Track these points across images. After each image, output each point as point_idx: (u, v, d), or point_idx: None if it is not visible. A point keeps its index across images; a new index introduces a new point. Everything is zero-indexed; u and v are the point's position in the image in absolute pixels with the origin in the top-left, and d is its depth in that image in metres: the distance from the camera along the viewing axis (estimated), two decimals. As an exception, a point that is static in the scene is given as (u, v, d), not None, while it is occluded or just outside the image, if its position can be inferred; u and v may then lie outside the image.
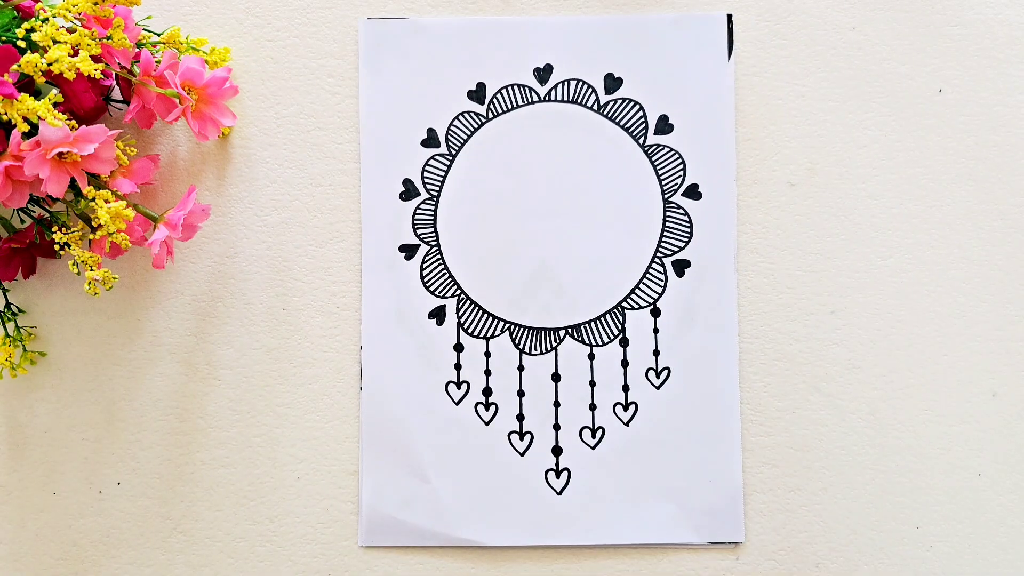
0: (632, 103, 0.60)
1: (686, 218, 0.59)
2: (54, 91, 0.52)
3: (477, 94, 0.60)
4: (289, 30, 0.61)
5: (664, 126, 0.60)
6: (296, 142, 0.60)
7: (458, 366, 0.59)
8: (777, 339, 0.59)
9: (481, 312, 0.59)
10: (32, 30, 0.51)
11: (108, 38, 0.52)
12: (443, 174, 0.60)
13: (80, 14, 0.51)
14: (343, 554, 0.59)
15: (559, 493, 0.58)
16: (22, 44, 0.51)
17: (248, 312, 0.60)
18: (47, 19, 0.50)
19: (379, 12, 0.61)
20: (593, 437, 0.58)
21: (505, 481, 0.58)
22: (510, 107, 0.60)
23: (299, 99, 0.60)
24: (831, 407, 0.59)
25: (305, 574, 0.59)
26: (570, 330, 0.59)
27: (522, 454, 0.58)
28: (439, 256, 0.59)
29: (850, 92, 0.60)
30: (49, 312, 0.60)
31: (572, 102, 0.60)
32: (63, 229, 0.54)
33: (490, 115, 0.60)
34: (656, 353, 0.59)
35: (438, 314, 0.59)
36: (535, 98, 0.60)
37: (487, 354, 0.59)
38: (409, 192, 0.60)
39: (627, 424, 0.58)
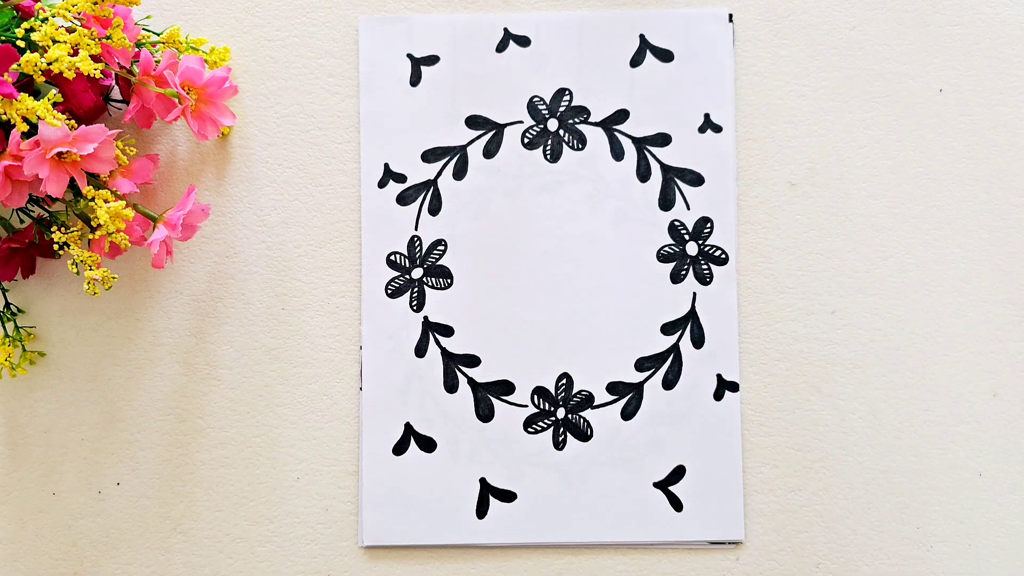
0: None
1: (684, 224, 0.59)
2: (53, 91, 0.51)
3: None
4: (289, 30, 0.61)
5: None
6: (296, 142, 0.60)
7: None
8: (777, 339, 0.59)
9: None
10: (32, 30, 0.51)
11: (107, 38, 0.52)
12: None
13: (79, 14, 0.51)
14: (343, 554, 0.59)
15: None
16: (21, 44, 0.51)
17: (248, 312, 0.60)
18: (46, 19, 0.50)
19: (379, 12, 0.61)
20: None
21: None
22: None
23: (299, 99, 0.60)
24: (831, 407, 0.59)
25: (305, 574, 0.59)
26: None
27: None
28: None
29: (850, 92, 0.60)
30: (48, 312, 0.60)
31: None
32: (62, 229, 0.54)
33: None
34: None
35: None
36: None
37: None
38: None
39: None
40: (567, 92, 0.60)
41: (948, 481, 0.59)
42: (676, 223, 0.59)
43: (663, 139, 0.59)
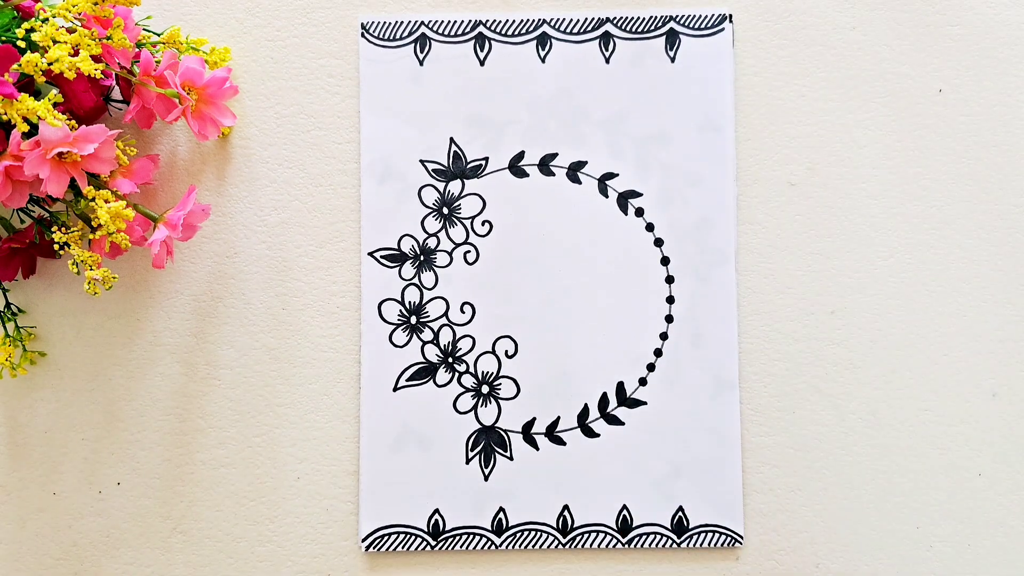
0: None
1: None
2: (54, 91, 0.52)
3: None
4: (289, 30, 0.61)
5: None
6: (296, 142, 0.60)
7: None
8: (777, 339, 0.59)
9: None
10: (32, 30, 0.51)
11: (108, 38, 0.52)
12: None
13: (80, 14, 0.51)
14: (343, 554, 0.59)
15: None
16: (22, 44, 0.51)
17: (248, 312, 0.60)
18: (47, 19, 0.50)
19: (379, 12, 0.61)
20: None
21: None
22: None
23: (299, 99, 0.60)
24: (831, 407, 0.59)
25: (305, 574, 0.59)
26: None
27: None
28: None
29: (850, 92, 0.60)
30: (49, 312, 0.60)
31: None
32: (63, 229, 0.54)
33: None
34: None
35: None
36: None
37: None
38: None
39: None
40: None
41: (948, 481, 0.59)
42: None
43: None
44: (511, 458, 0.58)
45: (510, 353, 0.59)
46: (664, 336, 0.59)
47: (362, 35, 0.60)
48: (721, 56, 0.60)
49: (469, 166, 0.60)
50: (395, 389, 0.59)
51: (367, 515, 0.58)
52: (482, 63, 0.60)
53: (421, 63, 0.60)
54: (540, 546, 0.58)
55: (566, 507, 0.58)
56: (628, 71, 0.60)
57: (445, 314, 0.59)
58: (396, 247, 0.59)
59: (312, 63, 0.60)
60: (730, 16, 0.60)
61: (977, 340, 0.59)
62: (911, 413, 0.59)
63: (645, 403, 0.59)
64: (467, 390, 0.59)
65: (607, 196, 0.59)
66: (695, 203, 0.59)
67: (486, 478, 0.58)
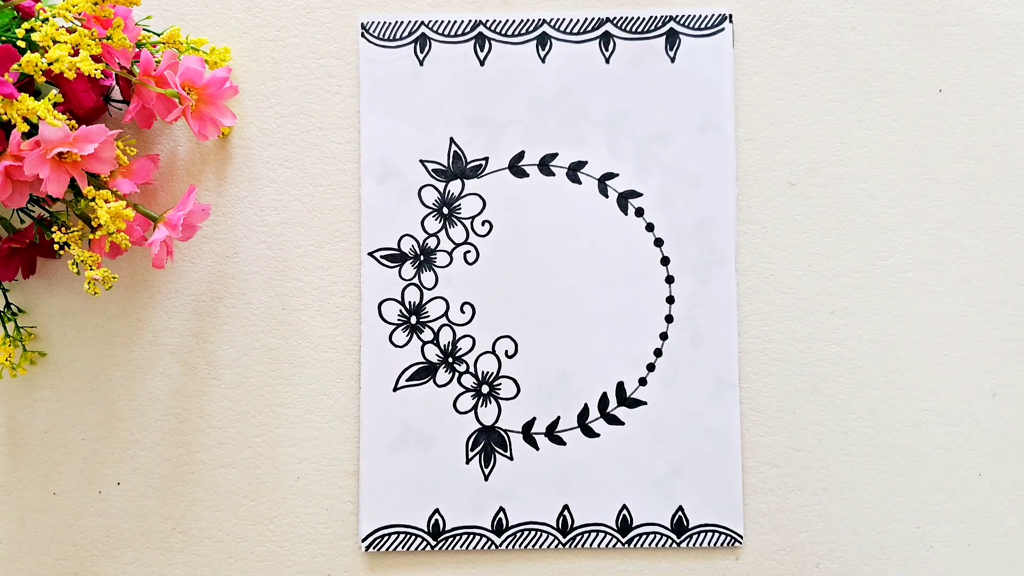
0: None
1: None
2: (54, 91, 0.52)
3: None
4: (289, 30, 0.61)
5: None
6: (296, 142, 0.60)
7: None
8: (777, 339, 0.59)
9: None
10: (32, 30, 0.51)
11: (108, 38, 0.52)
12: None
13: (80, 14, 0.51)
14: (343, 554, 0.59)
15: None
16: (22, 44, 0.51)
17: (248, 312, 0.60)
18: (47, 19, 0.50)
19: (379, 12, 0.61)
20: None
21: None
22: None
23: (299, 99, 0.60)
24: (831, 407, 0.59)
25: (305, 574, 0.59)
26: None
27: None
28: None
29: (850, 92, 0.60)
30: (49, 312, 0.60)
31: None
32: (63, 229, 0.54)
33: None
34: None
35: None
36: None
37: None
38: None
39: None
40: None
41: (948, 481, 0.59)
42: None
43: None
44: (511, 458, 0.58)
45: (510, 353, 0.59)
46: (664, 336, 0.59)
47: (362, 35, 0.60)
48: (721, 56, 0.60)
49: (469, 166, 0.60)
50: (395, 389, 0.59)
51: (367, 515, 0.58)
52: (482, 63, 0.60)
53: (421, 63, 0.60)
54: (540, 546, 0.58)
55: (566, 507, 0.58)
56: (628, 71, 0.60)
57: (445, 314, 0.59)
58: (396, 247, 0.59)
59: (312, 63, 0.60)
60: (730, 16, 0.60)
61: (977, 340, 0.59)
62: (911, 413, 0.59)
63: (645, 403, 0.59)
64: (467, 390, 0.59)
65: (607, 196, 0.60)
66: (695, 203, 0.59)
67: (486, 478, 0.58)
